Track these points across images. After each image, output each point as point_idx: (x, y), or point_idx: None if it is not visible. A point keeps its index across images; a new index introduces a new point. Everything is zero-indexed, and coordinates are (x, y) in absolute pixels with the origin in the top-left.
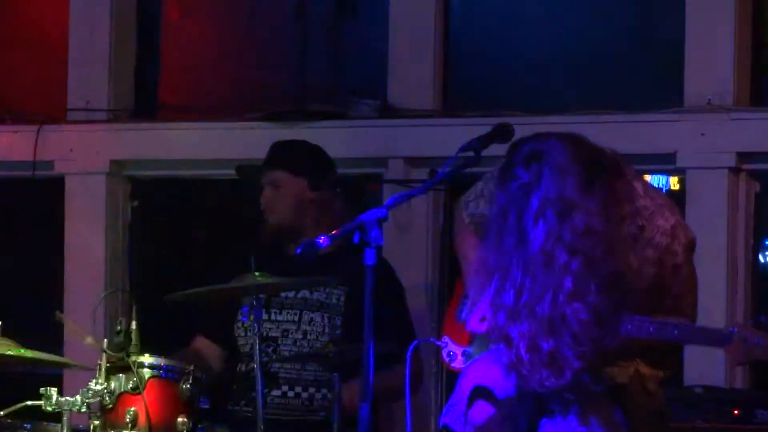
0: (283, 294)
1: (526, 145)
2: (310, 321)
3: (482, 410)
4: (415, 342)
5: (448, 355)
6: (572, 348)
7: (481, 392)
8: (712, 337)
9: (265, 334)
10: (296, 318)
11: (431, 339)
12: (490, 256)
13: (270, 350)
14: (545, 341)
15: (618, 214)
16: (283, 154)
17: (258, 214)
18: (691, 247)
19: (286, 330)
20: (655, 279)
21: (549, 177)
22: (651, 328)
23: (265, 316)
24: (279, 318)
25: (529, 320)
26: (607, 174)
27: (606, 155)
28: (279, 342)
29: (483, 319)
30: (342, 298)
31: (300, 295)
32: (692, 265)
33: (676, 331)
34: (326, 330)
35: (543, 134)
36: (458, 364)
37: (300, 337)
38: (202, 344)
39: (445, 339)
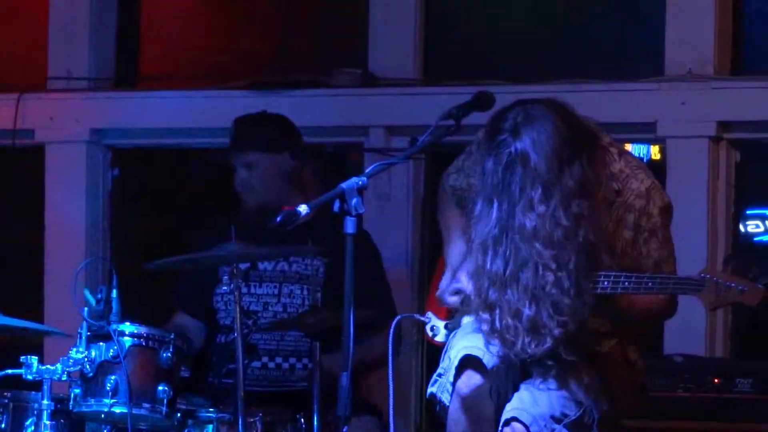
0: (261, 267)
1: (513, 112)
2: (290, 293)
3: (470, 380)
4: (397, 317)
5: (431, 329)
6: (552, 316)
7: (470, 361)
8: (686, 285)
9: (245, 307)
10: (276, 291)
11: (415, 315)
12: (475, 224)
13: (250, 323)
14: (527, 308)
15: (595, 182)
16: (252, 135)
17: (235, 191)
18: (667, 210)
19: (266, 303)
20: (633, 242)
21: (536, 153)
22: (627, 283)
23: (245, 290)
24: (259, 291)
25: (513, 288)
26: (586, 145)
27: (584, 124)
28: (259, 315)
29: (456, 293)
30: (321, 270)
31: (278, 267)
32: (669, 230)
33: (650, 283)
34: (306, 302)
35: (529, 103)
36: (441, 338)
37: (280, 309)
38: (183, 320)
39: (428, 314)
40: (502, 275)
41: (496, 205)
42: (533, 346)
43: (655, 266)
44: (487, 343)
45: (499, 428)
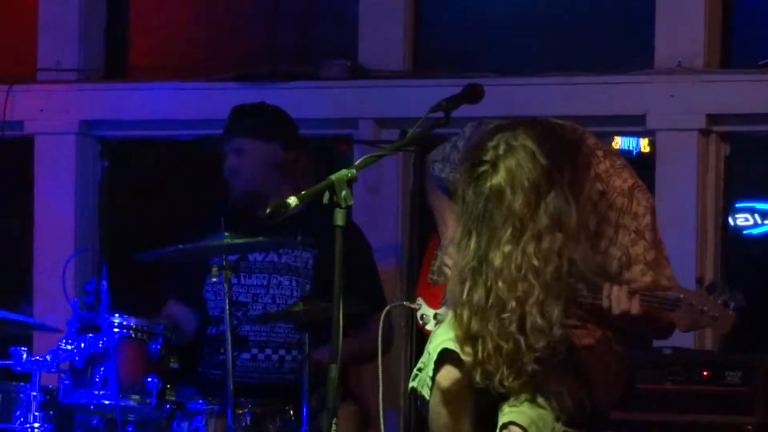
0: (251, 258)
1: (493, 142)
2: (279, 285)
3: (449, 374)
4: (387, 306)
5: (422, 318)
6: (526, 351)
7: (448, 356)
8: (661, 303)
9: (234, 298)
10: (265, 282)
11: (405, 302)
12: (457, 251)
13: (240, 314)
14: (505, 342)
15: (579, 194)
16: (244, 121)
17: (224, 180)
18: (653, 211)
19: (255, 294)
20: (615, 241)
21: (512, 189)
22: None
23: (234, 281)
24: (248, 282)
25: (492, 320)
26: (567, 165)
27: (566, 138)
28: (248, 306)
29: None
30: (310, 262)
31: (268, 258)
32: (657, 231)
33: None
34: (294, 294)
35: (510, 129)
36: (431, 327)
37: (269, 301)
38: (175, 309)
39: (419, 301)
40: (483, 306)
41: (474, 237)
42: (511, 379)
43: (645, 268)
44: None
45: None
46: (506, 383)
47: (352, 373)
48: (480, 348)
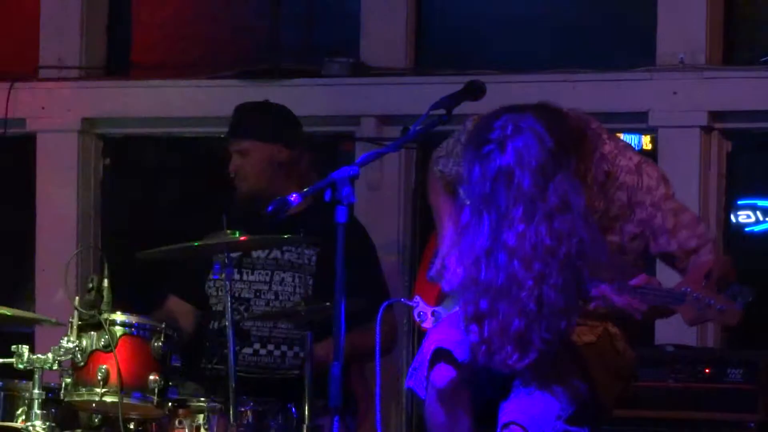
0: (254, 254)
1: (500, 122)
2: (282, 281)
3: (443, 373)
4: (385, 303)
5: (419, 315)
6: (538, 332)
7: (441, 354)
8: (667, 297)
9: (237, 294)
10: (268, 278)
11: (402, 299)
12: (463, 233)
13: (243, 309)
14: (516, 321)
15: (585, 177)
16: (247, 122)
17: (230, 180)
18: (665, 180)
19: (258, 290)
20: (630, 219)
21: (521, 169)
22: (614, 298)
23: (237, 276)
24: (251, 278)
25: (503, 300)
26: (573, 149)
27: (572, 124)
28: (251, 302)
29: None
30: (313, 259)
31: (271, 255)
32: (674, 199)
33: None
34: (297, 290)
35: (517, 111)
36: (428, 324)
37: (272, 297)
38: (175, 304)
39: (417, 298)
40: (494, 286)
41: (486, 217)
42: (515, 358)
43: (669, 238)
44: (470, 353)
45: (497, 431)
46: (509, 362)
47: (354, 369)
48: (486, 327)
